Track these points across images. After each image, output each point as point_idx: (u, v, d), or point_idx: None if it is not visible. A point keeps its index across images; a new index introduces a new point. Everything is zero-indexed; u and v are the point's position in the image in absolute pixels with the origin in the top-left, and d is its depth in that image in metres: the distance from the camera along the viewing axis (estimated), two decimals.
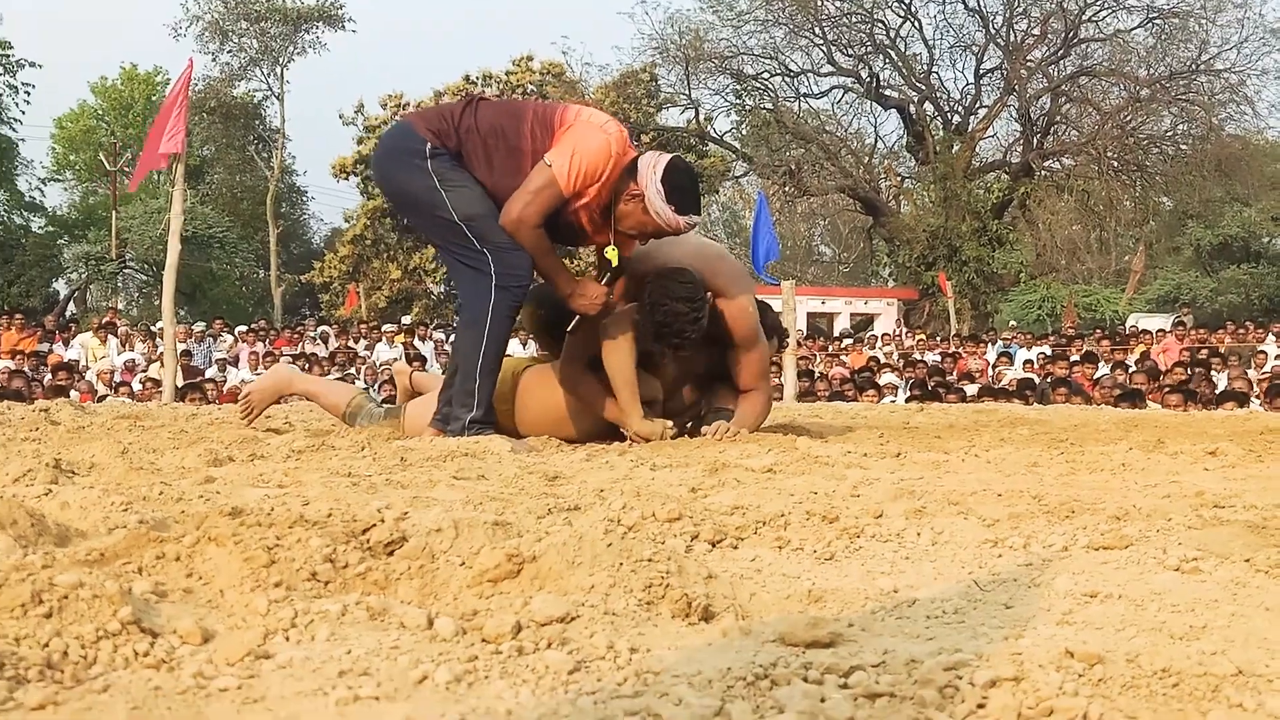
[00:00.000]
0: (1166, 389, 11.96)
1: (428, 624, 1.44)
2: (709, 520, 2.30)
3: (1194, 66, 35.53)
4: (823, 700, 1.17)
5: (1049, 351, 19.43)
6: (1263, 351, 18.10)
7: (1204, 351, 17.42)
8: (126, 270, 44.68)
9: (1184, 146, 36.26)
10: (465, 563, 1.71)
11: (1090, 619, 1.56)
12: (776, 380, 10.54)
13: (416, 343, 20.86)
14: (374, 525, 1.84)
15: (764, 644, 1.40)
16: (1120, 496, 2.76)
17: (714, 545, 2.18)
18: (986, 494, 2.75)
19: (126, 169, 43.48)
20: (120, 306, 40.58)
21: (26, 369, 15.64)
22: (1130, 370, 15.25)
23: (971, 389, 14.08)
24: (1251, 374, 15.22)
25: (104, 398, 13.29)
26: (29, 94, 47.27)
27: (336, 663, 1.29)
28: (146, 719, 1.12)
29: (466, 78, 41.89)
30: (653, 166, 4.50)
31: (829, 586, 1.81)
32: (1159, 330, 22.88)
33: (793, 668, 1.27)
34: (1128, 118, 36.12)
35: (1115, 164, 36.38)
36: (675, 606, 1.57)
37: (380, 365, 17.78)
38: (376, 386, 14.95)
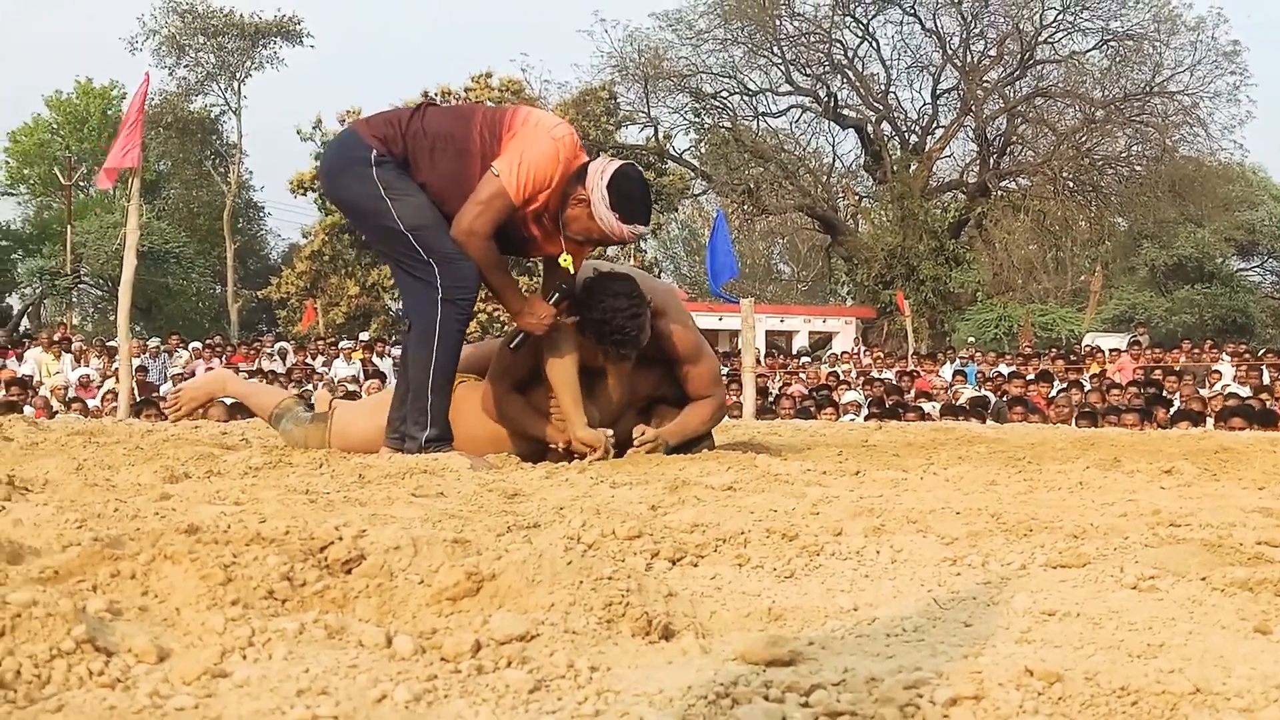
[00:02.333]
0: (1122, 409, 12.04)
1: (386, 642, 1.42)
2: (669, 538, 2.30)
3: (1148, 88, 35.94)
4: (784, 719, 1.17)
5: (1005, 370, 19.54)
6: (1217, 371, 18.25)
7: (1158, 371, 17.54)
8: (81, 285, 44.31)
9: (1138, 167, 36.66)
10: (424, 581, 1.70)
11: (1049, 637, 1.56)
12: (735, 398, 10.54)
13: (374, 359, 20.79)
14: (332, 543, 1.82)
15: (724, 662, 1.40)
16: (1078, 515, 2.77)
17: (674, 563, 2.17)
18: (945, 512, 2.75)
19: (81, 183, 43.20)
20: (75, 322, 40.28)
21: None
22: (1087, 390, 15.35)
23: (930, 407, 14.13)
24: (1204, 393, 15.34)
25: (56, 414, 13.16)
26: None
27: (294, 682, 1.28)
28: None
29: (425, 93, 41.79)
30: (601, 172, 4.43)
31: (789, 604, 1.81)
32: (1113, 350, 23.04)
33: (753, 686, 1.27)
34: (1083, 139, 36.49)
35: (1071, 184, 36.74)
36: (635, 625, 1.56)
37: (338, 381, 17.70)
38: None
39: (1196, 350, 22.64)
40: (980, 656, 1.43)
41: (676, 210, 45.24)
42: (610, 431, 4.61)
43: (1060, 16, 36.47)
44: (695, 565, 2.17)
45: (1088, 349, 24.39)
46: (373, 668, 1.33)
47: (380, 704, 1.24)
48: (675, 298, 5.01)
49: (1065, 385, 15.76)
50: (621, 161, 4.58)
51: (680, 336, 4.80)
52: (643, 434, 4.69)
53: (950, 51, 37.86)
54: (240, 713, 1.20)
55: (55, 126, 51.80)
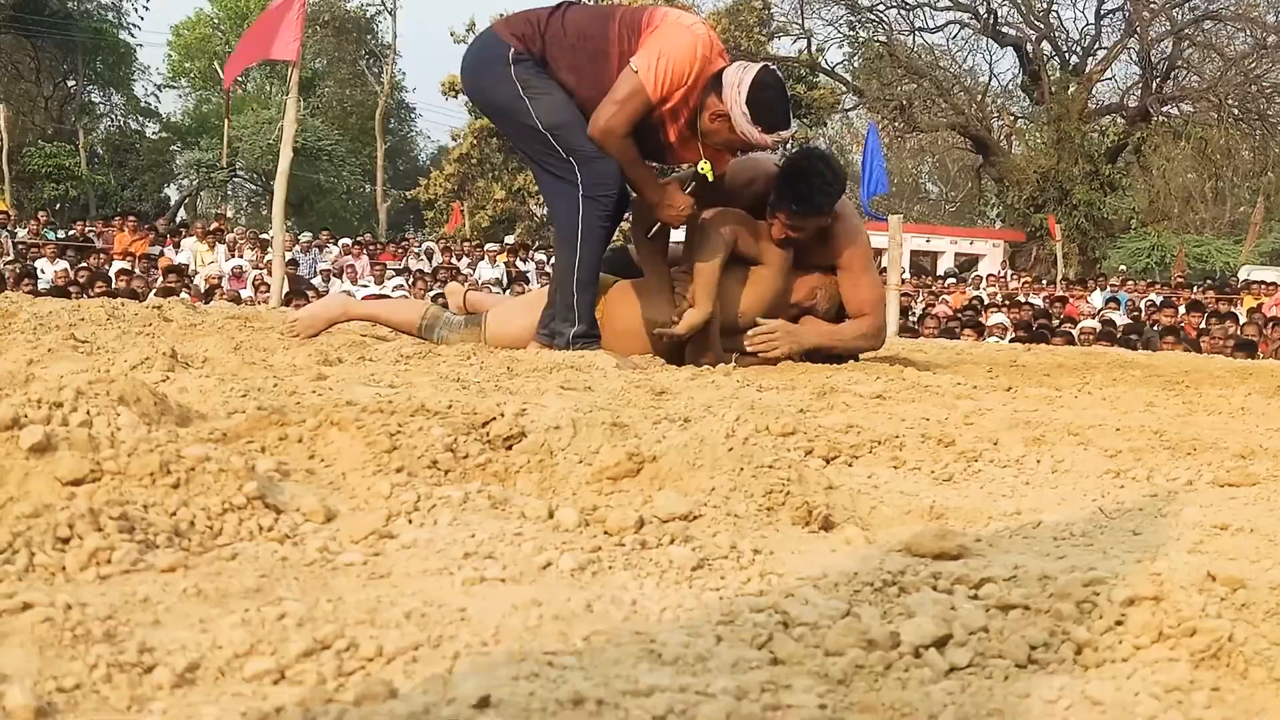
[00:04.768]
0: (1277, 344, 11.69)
1: (549, 514, 1.43)
2: (823, 437, 2.27)
3: None
4: (953, 609, 1.14)
5: (1156, 299, 19.09)
6: None
7: None
8: (236, 179, 45.27)
9: None
10: (584, 460, 1.70)
11: (1222, 549, 1.52)
12: None
13: (519, 263, 20.94)
14: (494, 419, 1.83)
15: (889, 553, 1.38)
16: (1243, 437, 2.69)
17: (828, 461, 2.15)
18: (1105, 428, 2.69)
19: (239, 79, 43.94)
20: (229, 214, 41.20)
21: (137, 270, 15.92)
22: (1243, 323, 14.93)
23: (1087, 323, 13.88)
24: None
25: (210, 302, 13.48)
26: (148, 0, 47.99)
27: (460, 545, 1.29)
28: (275, 586, 1.13)
29: None
30: (737, 85, 4.34)
31: (950, 505, 1.78)
32: (1270, 283, 22.33)
33: (921, 576, 1.24)
34: (1252, 65, 35.08)
35: (1236, 112, 35.39)
36: (796, 514, 1.55)
37: (482, 284, 17.88)
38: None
39: None
40: (1155, 561, 1.39)
41: (825, 125, 44.63)
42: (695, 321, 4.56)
43: None
44: (850, 465, 2.15)
45: (1243, 282, 23.69)
46: (537, 537, 1.34)
47: (546, 570, 1.24)
48: (851, 206, 4.95)
49: (1220, 318, 15.30)
50: (756, 68, 4.47)
51: (854, 241, 4.74)
52: (760, 335, 4.64)
53: None
54: (408, 571, 1.21)
55: (217, 21, 52.65)
